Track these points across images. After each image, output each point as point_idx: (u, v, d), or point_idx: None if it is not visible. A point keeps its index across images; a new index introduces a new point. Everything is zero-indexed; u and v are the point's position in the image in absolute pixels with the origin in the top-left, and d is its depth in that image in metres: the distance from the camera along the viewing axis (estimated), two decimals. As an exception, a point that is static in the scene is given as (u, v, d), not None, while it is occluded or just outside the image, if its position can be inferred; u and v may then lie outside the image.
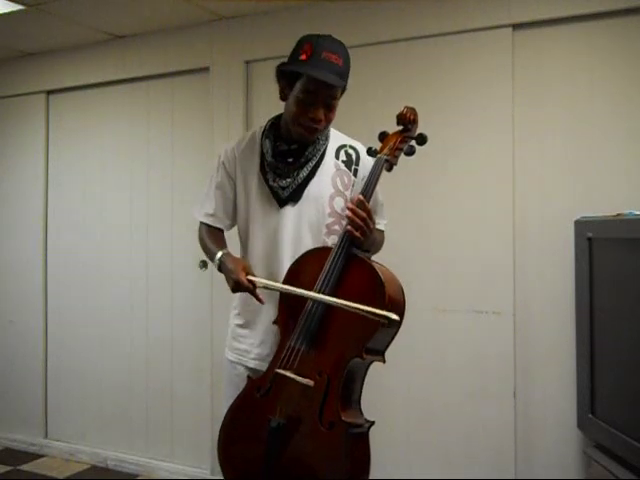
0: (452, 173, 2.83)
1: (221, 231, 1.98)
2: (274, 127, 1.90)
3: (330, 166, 1.86)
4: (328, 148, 1.87)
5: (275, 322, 1.77)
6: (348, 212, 1.66)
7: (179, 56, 3.47)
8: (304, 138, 1.81)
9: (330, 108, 1.78)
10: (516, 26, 2.69)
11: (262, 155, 1.87)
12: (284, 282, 1.76)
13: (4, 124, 4.09)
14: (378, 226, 1.89)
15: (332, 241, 1.83)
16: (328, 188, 1.85)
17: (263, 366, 1.78)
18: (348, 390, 1.65)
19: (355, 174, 1.88)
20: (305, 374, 1.62)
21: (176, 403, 3.51)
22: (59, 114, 3.93)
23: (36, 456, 3.82)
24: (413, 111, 1.78)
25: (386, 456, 2.85)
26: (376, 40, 2.96)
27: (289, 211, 1.83)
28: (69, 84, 3.84)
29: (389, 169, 1.75)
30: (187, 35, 3.44)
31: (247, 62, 3.29)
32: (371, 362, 1.69)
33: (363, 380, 1.71)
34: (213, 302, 3.33)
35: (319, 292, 1.64)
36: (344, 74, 1.77)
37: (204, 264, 3.37)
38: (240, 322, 1.93)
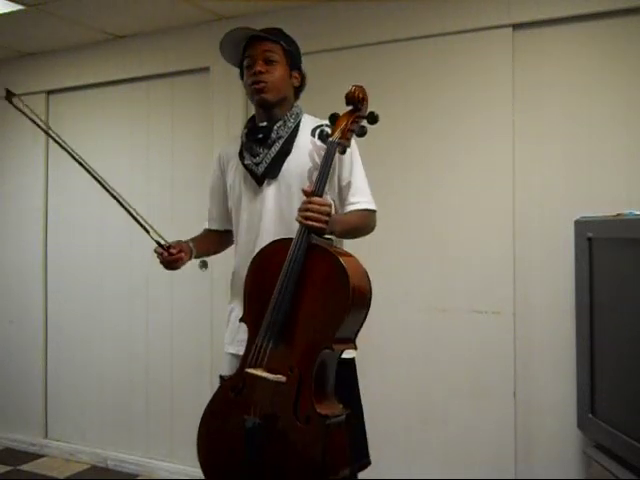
0: (452, 173, 2.82)
1: (215, 233, 2.12)
2: (252, 118, 2.01)
3: (306, 142, 1.90)
4: (303, 127, 1.92)
5: (242, 320, 1.78)
6: (300, 206, 1.69)
7: (179, 56, 3.47)
8: (260, 100, 1.89)
9: (270, 62, 1.87)
10: (516, 26, 2.69)
11: (241, 144, 1.97)
12: (247, 276, 1.78)
13: (4, 124, 4.09)
14: (356, 206, 1.89)
15: None
16: (307, 162, 1.88)
17: None
18: (321, 382, 1.64)
19: None
20: (276, 371, 1.62)
21: (176, 403, 3.50)
22: (59, 114, 3.93)
23: (36, 456, 3.82)
24: (362, 89, 1.78)
25: (386, 456, 2.84)
26: (376, 40, 2.96)
27: (269, 189, 1.88)
28: (69, 84, 3.84)
29: (342, 152, 1.77)
30: (187, 35, 3.43)
31: (247, 62, 3.29)
32: (342, 351, 1.67)
33: (335, 369, 1.70)
34: (213, 302, 3.33)
35: (283, 284, 1.65)
36: (274, 33, 1.89)
37: (204, 264, 3.37)
38: (239, 315, 1.91)
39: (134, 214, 1.89)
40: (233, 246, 2.09)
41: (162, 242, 1.89)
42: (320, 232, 1.67)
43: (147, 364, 3.59)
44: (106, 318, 3.71)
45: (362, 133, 1.78)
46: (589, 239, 2.34)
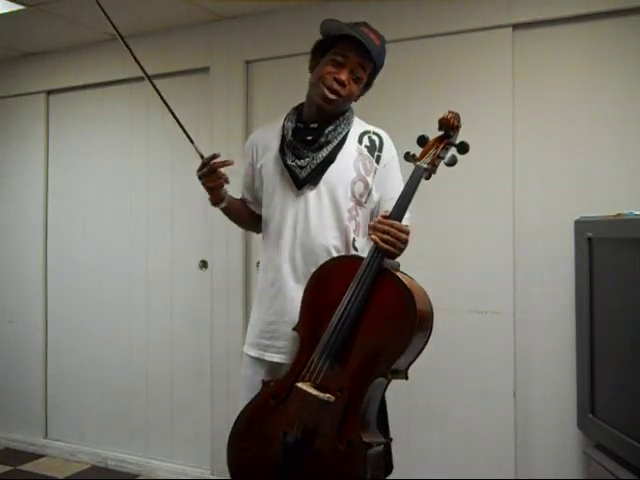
0: (452, 173, 2.81)
1: (251, 211, 2.04)
2: (297, 111, 1.90)
3: (352, 150, 1.84)
4: (350, 133, 1.86)
5: (295, 329, 1.73)
6: (377, 225, 1.62)
7: (179, 56, 3.47)
8: (324, 101, 1.79)
9: (355, 78, 1.80)
10: (516, 26, 2.69)
11: (283, 137, 1.87)
12: (308, 288, 1.72)
13: (4, 124, 4.09)
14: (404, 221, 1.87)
15: (353, 225, 1.82)
16: (350, 172, 1.82)
17: (288, 360, 1.77)
18: (368, 408, 1.62)
19: (378, 161, 1.86)
20: (325, 388, 1.58)
21: (176, 403, 3.50)
22: (59, 114, 3.93)
23: (36, 456, 3.82)
24: (457, 117, 1.71)
25: (386, 456, 2.84)
26: (376, 40, 2.95)
27: (307, 194, 1.81)
28: (69, 84, 3.84)
29: (428, 178, 1.69)
30: (187, 35, 3.43)
31: (247, 62, 3.29)
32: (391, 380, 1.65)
33: (382, 397, 1.68)
34: (213, 302, 3.33)
35: (348, 305, 1.60)
36: (378, 53, 1.81)
37: (204, 264, 3.37)
38: (267, 317, 1.88)
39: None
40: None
41: (204, 155, 1.86)
42: (392, 257, 1.63)
43: (147, 364, 3.59)
44: (106, 318, 3.71)
45: (453, 163, 1.70)
46: (589, 239, 2.34)
